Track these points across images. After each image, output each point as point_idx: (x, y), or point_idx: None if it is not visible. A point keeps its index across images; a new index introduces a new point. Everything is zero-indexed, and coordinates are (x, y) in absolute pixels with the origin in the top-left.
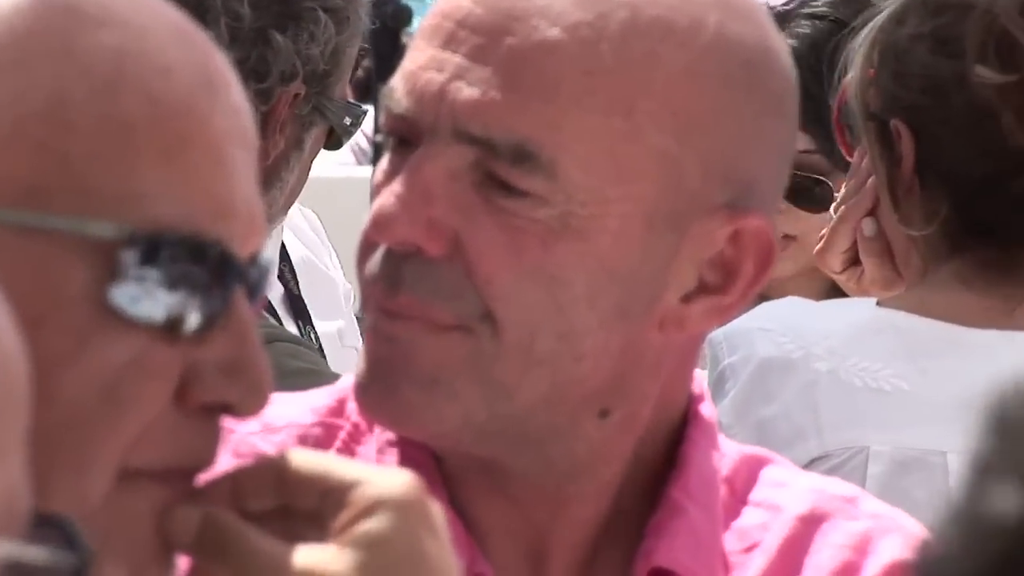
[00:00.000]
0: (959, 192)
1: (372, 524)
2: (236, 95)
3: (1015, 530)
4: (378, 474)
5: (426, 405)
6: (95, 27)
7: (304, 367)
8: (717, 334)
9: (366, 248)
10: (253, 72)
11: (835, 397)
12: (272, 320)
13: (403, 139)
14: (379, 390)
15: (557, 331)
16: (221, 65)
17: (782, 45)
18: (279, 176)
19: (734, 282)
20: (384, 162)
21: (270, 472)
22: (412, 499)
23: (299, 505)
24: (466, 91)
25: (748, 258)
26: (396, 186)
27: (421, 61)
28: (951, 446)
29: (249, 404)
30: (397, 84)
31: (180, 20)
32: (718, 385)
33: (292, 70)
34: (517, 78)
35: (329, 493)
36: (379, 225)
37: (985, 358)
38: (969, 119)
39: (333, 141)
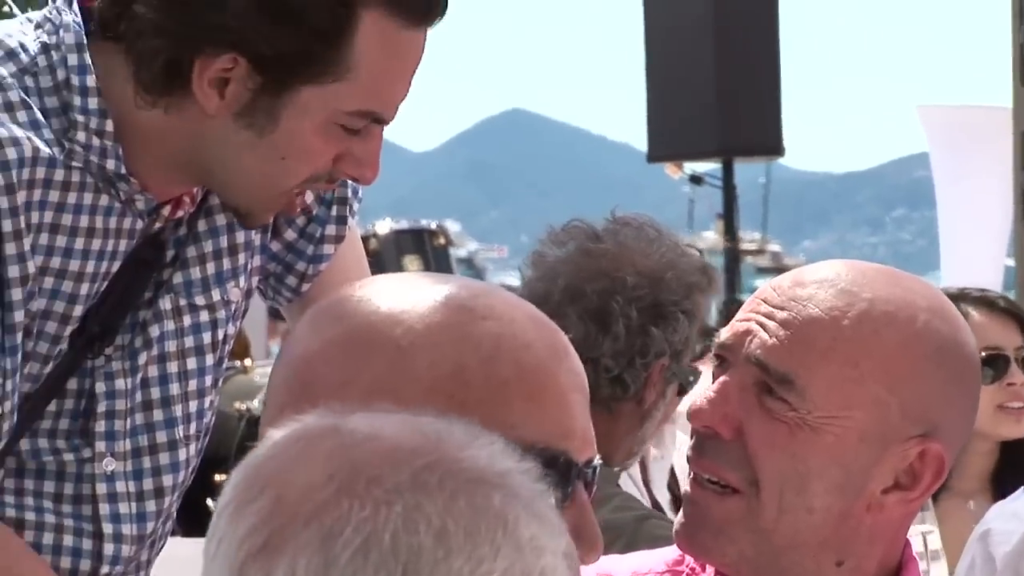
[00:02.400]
0: None
1: None
2: (574, 359)
3: None
4: None
5: (715, 547)
6: (482, 319)
7: (666, 534)
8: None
9: (692, 433)
10: (639, 352)
11: None
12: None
13: (722, 359)
14: (687, 535)
15: (796, 490)
16: (563, 339)
17: (969, 339)
18: (651, 415)
19: (918, 485)
20: (708, 372)
21: None
22: None
23: None
24: (760, 336)
25: (929, 471)
26: (709, 390)
27: (739, 317)
28: None
29: (587, 557)
30: (725, 329)
31: (537, 313)
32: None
33: (662, 350)
34: (790, 335)
35: None
36: (694, 414)
37: None
38: None
39: (683, 393)
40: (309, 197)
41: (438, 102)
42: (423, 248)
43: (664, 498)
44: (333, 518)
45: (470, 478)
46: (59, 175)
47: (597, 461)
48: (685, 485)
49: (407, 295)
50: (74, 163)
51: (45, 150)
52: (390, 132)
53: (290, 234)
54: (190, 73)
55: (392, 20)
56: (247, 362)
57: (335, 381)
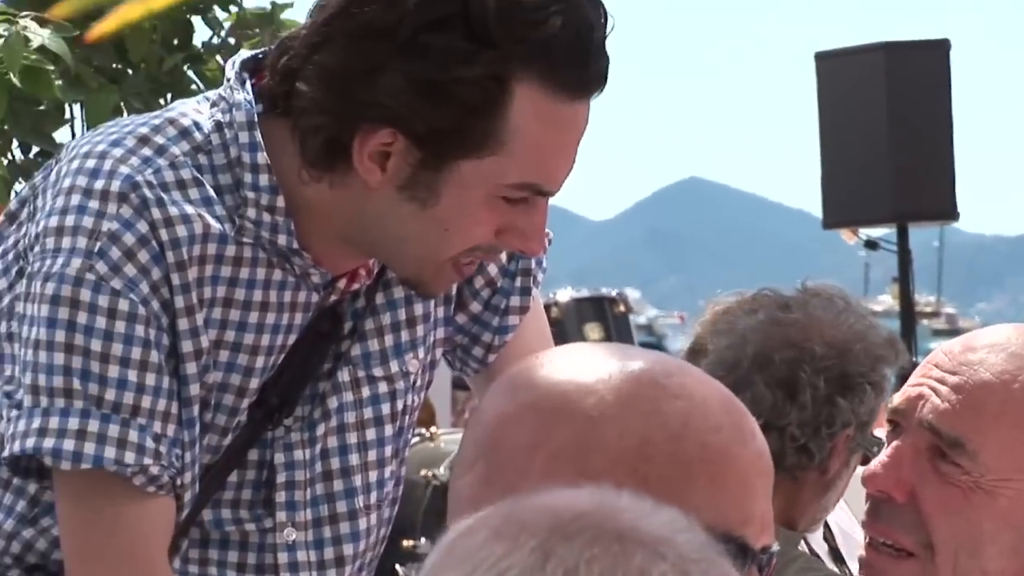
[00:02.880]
0: None
1: None
2: (760, 442)
3: None
4: None
5: None
6: (673, 398)
7: None
8: None
9: (867, 497)
10: (825, 422)
11: None
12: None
13: (895, 424)
14: None
15: (970, 553)
16: (751, 423)
17: None
18: (835, 484)
19: None
20: (884, 438)
21: None
22: None
23: None
24: (932, 401)
25: None
26: (883, 455)
27: (912, 382)
28: None
29: None
30: (898, 394)
31: (728, 394)
32: None
33: (847, 421)
34: (962, 399)
35: None
36: (868, 479)
37: None
38: None
39: (867, 462)
40: (493, 269)
41: (616, 172)
42: (604, 316)
43: (822, 549)
44: None
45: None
46: (231, 251)
47: (774, 548)
48: (850, 544)
49: (601, 367)
50: (245, 239)
51: (216, 226)
52: (569, 202)
53: (476, 306)
54: (351, 148)
55: (546, 94)
56: (433, 430)
57: (524, 443)
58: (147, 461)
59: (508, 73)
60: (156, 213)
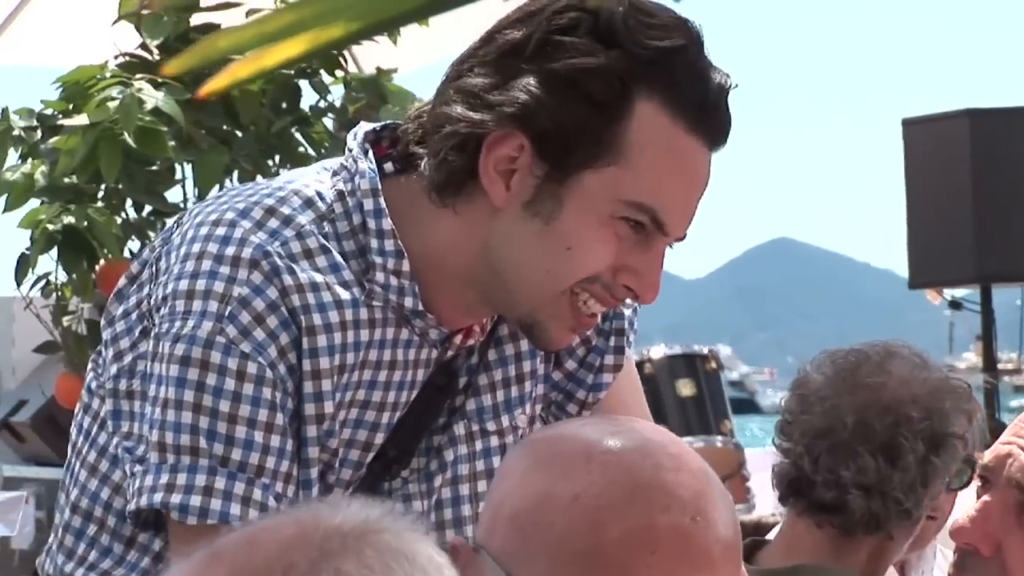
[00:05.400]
0: None
1: None
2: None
3: None
4: None
5: None
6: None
7: None
8: None
9: (955, 550)
10: (922, 482)
11: None
12: None
13: (985, 480)
14: None
15: None
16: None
17: None
18: (921, 537)
19: None
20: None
21: None
22: None
23: None
24: (1020, 460)
25: None
26: (972, 510)
27: (1002, 440)
28: None
29: None
30: (988, 451)
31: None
32: None
33: (942, 477)
34: None
35: None
36: (956, 532)
37: None
38: None
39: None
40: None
41: (708, 231)
42: (696, 372)
43: None
44: None
45: (360, 533)
46: (363, 313)
47: None
48: None
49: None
50: (375, 302)
51: (345, 293)
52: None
53: (571, 364)
54: (476, 161)
55: (667, 114)
56: None
57: None
58: None
59: (632, 78)
60: (287, 280)
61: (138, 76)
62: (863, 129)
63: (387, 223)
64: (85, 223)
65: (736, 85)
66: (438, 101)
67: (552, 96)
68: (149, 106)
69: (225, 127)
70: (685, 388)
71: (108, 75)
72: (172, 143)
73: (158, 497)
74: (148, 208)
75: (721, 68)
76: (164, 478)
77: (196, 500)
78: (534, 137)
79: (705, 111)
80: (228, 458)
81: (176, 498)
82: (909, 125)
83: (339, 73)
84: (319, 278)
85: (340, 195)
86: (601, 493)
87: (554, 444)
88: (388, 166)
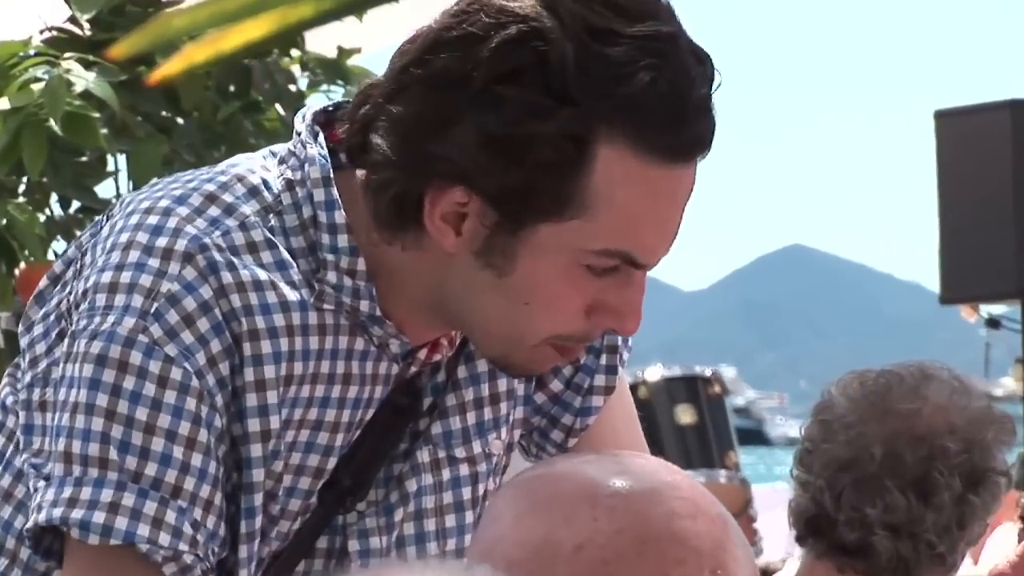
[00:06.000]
0: None
1: None
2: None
3: None
4: None
5: None
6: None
7: None
8: None
9: None
10: (958, 523)
11: None
12: None
13: None
14: None
15: None
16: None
17: None
18: None
19: None
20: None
21: None
22: None
23: None
24: None
25: None
26: (1013, 554)
27: None
28: None
29: None
30: None
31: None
32: None
33: (980, 519)
34: None
35: None
36: None
37: None
38: None
39: None
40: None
41: (711, 238)
42: (697, 397)
43: None
44: None
45: None
46: (312, 318)
47: None
48: None
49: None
50: (326, 305)
51: (293, 294)
52: (658, 270)
53: (556, 385)
54: (422, 208)
55: (636, 156)
56: None
57: None
58: (182, 547)
59: (590, 133)
60: (227, 277)
61: (66, 55)
62: (888, 122)
63: (340, 216)
64: (4, 221)
65: (720, 82)
66: (379, 110)
67: (495, 159)
68: (79, 88)
69: (164, 113)
70: (684, 415)
71: (32, 53)
72: (104, 131)
73: (57, 512)
74: (76, 204)
75: (703, 57)
76: (67, 492)
77: (99, 517)
78: (478, 192)
79: (682, 135)
80: (141, 473)
81: (77, 513)
82: (942, 118)
83: (295, 53)
84: (263, 275)
85: (288, 184)
86: (608, 544)
87: (552, 484)
88: (343, 156)
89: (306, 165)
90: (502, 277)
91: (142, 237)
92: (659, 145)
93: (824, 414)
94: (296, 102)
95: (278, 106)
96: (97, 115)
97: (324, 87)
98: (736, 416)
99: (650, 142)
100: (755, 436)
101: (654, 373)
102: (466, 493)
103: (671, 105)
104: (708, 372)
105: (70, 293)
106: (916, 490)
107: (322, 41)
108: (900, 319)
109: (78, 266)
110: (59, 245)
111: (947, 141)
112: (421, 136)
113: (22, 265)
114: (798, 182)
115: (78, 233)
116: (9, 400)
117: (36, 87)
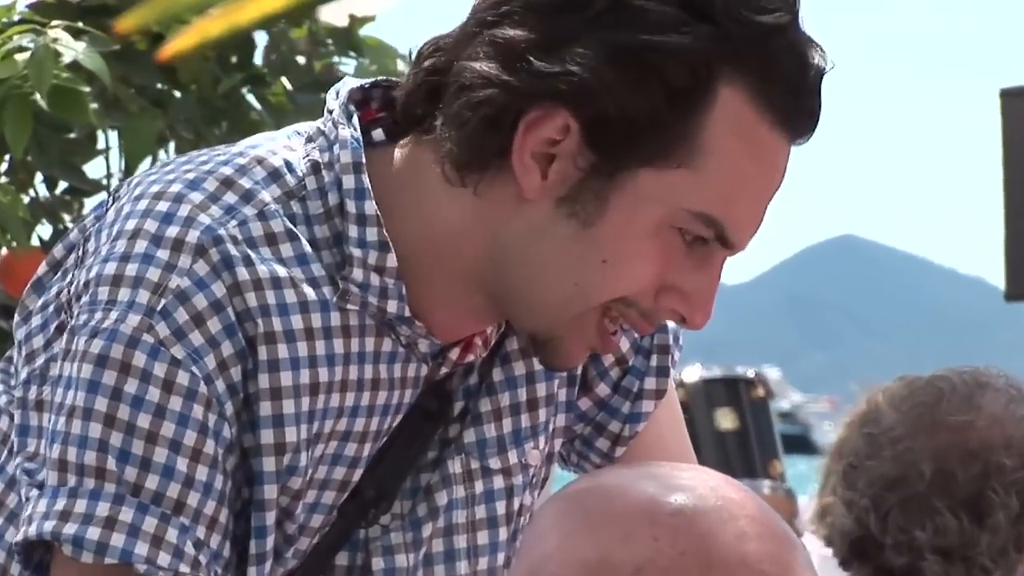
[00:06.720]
0: None
1: None
2: None
3: None
4: None
5: None
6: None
7: None
8: None
9: None
10: (1014, 545)
11: None
12: None
13: None
14: None
15: None
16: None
17: None
18: None
19: None
20: None
21: None
22: None
23: None
24: None
25: None
26: None
27: None
28: None
29: None
30: None
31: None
32: None
33: None
34: None
35: None
36: None
37: None
38: None
39: None
40: (625, 344)
41: None
42: (738, 400)
43: None
44: None
45: None
46: (335, 319)
47: None
48: None
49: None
50: (350, 305)
51: (313, 293)
52: None
53: (603, 389)
54: (511, 139)
55: (754, 108)
56: None
57: None
58: (183, 568)
59: (719, 60)
60: (242, 274)
61: (54, 22)
62: (949, 102)
63: (370, 207)
64: None
65: (833, 65)
66: (461, 48)
67: (618, 76)
68: (67, 59)
69: (160, 86)
70: (725, 420)
71: (16, 19)
72: (94, 105)
73: (48, 526)
74: (63, 185)
75: (818, 43)
76: (60, 504)
77: (94, 533)
78: (585, 121)
79: (799, 101)
80: (141, 486)
81: (71, 528)
82: (1010, 97)
83: (304, 23)
84: (282, 272)
85: (314, 167)
86: (671, 567)
87: (606, 499)
88: (377, 133)
89: (336, 147)
90: (586, 227)
91: (151, 225)
92: (776, 103)
93: (869, 426)
94: (304, 75)
95: (284, 80)
96: (87, 88)
97: (335, 59)
98: (781, 421)
99: (769, 96)
100: (801, 443)
101: (692, 374)
102: (500, 508)
103: (797, 63)
104: (751, 373)
105: (71, 283)
106: (969, 511)
107: (331, 9)
108: (959, 317)
109: (80, 252)
110: (44, 229)
111: (1014, 122)
112: (533, 54)
113: (3, 251)
114: (849, 166)
115: (65, 216)
116: (3, 400)
117: (20, 57)
